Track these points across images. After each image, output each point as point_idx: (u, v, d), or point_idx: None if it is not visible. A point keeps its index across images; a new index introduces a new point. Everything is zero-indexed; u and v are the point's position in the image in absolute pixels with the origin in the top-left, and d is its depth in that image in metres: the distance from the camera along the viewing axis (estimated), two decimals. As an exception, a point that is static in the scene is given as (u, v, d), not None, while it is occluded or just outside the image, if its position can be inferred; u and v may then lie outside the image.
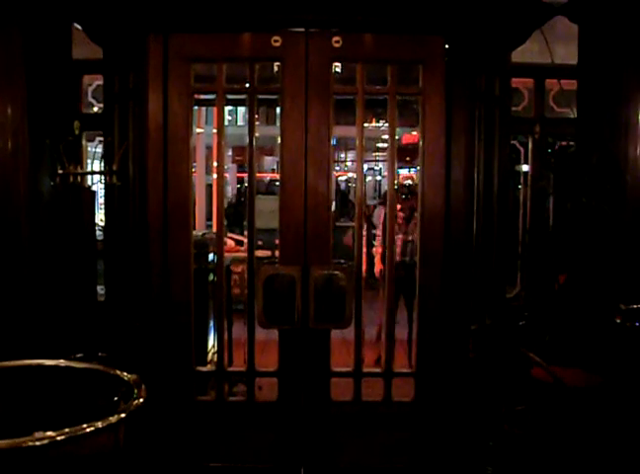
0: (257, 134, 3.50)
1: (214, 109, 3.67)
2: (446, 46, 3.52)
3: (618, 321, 3.31)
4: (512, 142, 4.11)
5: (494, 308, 3.69)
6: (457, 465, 3.59)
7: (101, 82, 4.00)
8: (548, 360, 3.26)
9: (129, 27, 3.47)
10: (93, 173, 3.64)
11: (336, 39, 3.36)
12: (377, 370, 3.67)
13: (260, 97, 3.50)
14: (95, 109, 4.29)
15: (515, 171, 4.36)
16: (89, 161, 3.92)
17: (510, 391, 3.50)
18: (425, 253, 3.54)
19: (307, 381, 3.53)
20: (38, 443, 1.76)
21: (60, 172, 3.53)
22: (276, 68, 3.90)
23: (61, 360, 2.39)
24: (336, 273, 3.39)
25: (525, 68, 4.03)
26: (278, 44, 3.35)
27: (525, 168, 4.32)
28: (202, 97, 3.76)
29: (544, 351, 3.38)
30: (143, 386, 2.13)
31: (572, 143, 4.12)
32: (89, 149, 4.05)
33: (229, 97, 3.57)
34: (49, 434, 1.77)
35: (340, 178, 17.45)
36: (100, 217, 3.96)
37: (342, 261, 3.58)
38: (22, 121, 3.38)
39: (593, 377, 3.28)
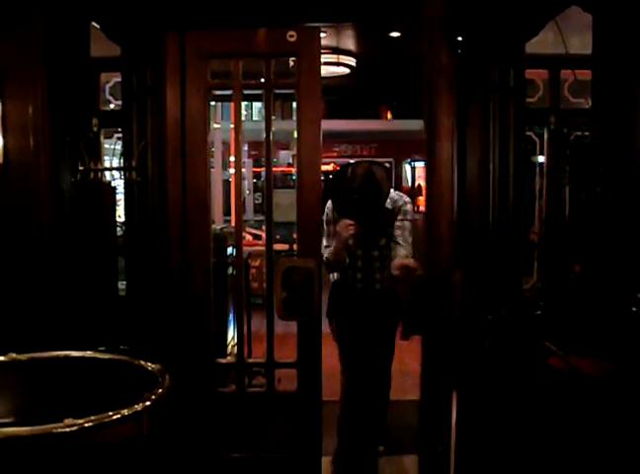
0: (273, 129, 3.53)
1: (231, 104, 3.72)
2: (459, 39, 3.54)
3: (634, 310, 3.33)
4: (527, 133, 4.13)
5: (510, 299, 3.72)
6: (472, 455, 3.63)
7: (118, 79, 4.08)
8: (564, 350, 3.28)
9: (147, 25, 3.53)
10: (113, 169, 3.71)
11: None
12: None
13: (276, 91, 3.55)
14: (112, 106, 4.37)
15: (530, 162, 4.38)
16: (106, 158, 4.01)
17: (526, 380, 3.53)
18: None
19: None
20: (67, 430, 1.82)
21: (81, 168, 3.59)
22: (291, 63, 3.95)
23: (87, 352, 2.45)
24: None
25: (540, 59, 4.05)
26: (293, 40, 3.39)
27: (541, 159, 4.34)
28: (219, 92, 3.79)
29: (560, 340, 3.40)
30: (167, 376, 2.19)
31: (587, 134, 4.13)
32: (106, 146, 4.13)
33: (245, 92, 3.62)
34: (79, 421, 1.83)
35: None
36: (119, 214, 4.03)
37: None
38: (43, 119, 3.44)
39: (608, 366, 3.30)
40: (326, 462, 3.95)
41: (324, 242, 3.94)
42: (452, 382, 3.39)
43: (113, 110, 4.36)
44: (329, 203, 4.12)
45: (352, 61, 6.89)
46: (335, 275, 4.19)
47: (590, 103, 4.03)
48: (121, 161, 3.77)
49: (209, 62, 3.43)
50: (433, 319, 3.33)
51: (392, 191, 4.18)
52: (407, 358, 5.52)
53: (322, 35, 3.50)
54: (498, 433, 3.59)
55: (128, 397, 2.13)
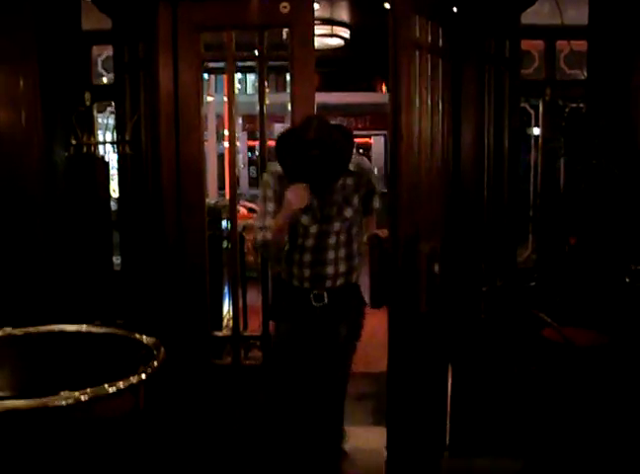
0: (267, 102, 3.51)
1: (224, 77, 3.68)
2: (454, 9, 3.51)
3: (628, 281, 3.35)
4: (522, 105, 4.12)
5: (505, 270, 3.74)
6: (469, 423, 3.66)
7: (110, 53, 4.04)
8: (559, 321, 3.30)
9: (138, -4, 3.49)
10: (106, 143, 3.69)
11: None
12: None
13: (269, 64, 3.52)
14: (104, 79, 4.33)
15: (526, 134, 4.36)
16: (100, 132, 3.98)
17: (521, 351, 3.56)
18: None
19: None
20: (64, 403, 1.83)
21: (74, 142, 3.58)
22: (284, 35, 3.91)
23: (83, 326, 2.46)
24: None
25: (535, 30, 4.01)
26: (286, 11, 3.35)
27: (536, 131, 4.32)
28: (212, 65, 3.76)
29: (555, 312, 3.42)
30: (162, 348, 2.19)
31: (582, 105, 4.11)
32: (99, 120, 4.10)
33: (239, 64, 3.59)
34: (75, 393, 1.84)
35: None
36: (113, 188, 4.01)
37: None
38: (34, 94, 3.42)
39: (602, 337, 3.32)
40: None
41: (258, 222, 3.04)
42: (419, 352, 3.32)
43: (105, 84, 4.32)
44: (268, 172, 3.13)
45: (346, 33, 6.81)
46: (283, 265, 3.20)
47: (585, 74, 4.02)
48: (115, 135, 3.75)
49: (202, 34, 3.39)
50: (397, 288, 3.18)
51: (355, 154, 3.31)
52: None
53: (315, 6, 3.46)
54: (493, 403, 3.63)
55: (124, 370, 2.14)
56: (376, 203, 3.28)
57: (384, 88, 15.06)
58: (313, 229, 3.04)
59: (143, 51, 3.56)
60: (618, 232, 3.57)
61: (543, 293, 3.69)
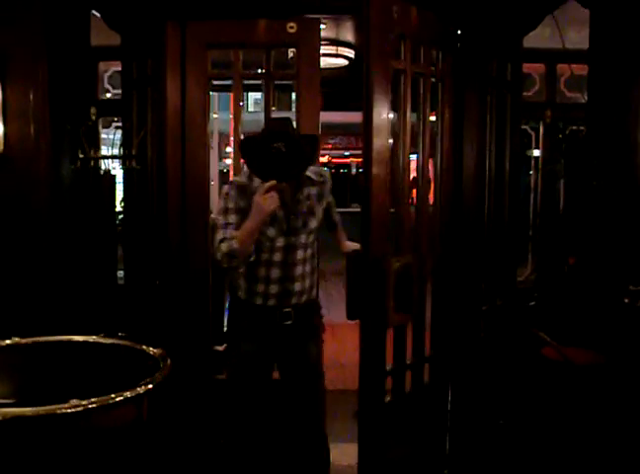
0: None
1: (230, 94, 3.72)
2: (458, 32, 3.57)
3: (627, 301, 3.38)
4: (523, 127, 4.18)
5: (505, 290, 3.78)
6: (469, 441, 3.68)
7: (117, 68, 4.11)
8: (558, 341, 3.34)
9: (148, 14, 3.55)
10: (113, 157, 3.74)
11: (395, 8, 3.29)
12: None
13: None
14: (108, 95, 4.39)
15: (526, 155, 4.42)
16: (103, 147, 4.04)
17: (520, 370, 3.58)
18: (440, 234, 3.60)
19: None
20: (72, 410, 1.86)
21: (81, 156, 3.62)
22: (290, 54, 3.98)
23: (91, 337, 2.49)
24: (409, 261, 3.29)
25: (537, 53, 4.10)
26: (293, 31, 3.41)
27: (536, 153, 4.39)
28: (217, 83, 3.81)
29: (554, 331, 3.46)
30: (168, 360, 2.22)
31: (582, 128, 4.17)
32: (103, 136, 4.16)
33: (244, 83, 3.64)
34: (84, 402, 1.86)
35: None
36: (121, 203, 4.06)
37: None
38: (43, 107, 3.46)
39: (601, 357, 3.36)
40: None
41: (219, 235, 2.82)
42: (384, 371, 3.30)
43: (111, 99, 4.39)
44: (230, 184, 2.97)
45: (350, 53, 6.91)
46: (240, 282, 3.02)
47: (585, 97, 4.08)
48: (120, 150, 3.80)
49: (210, 52, 3.45)
50: (366, 303, 3.18)
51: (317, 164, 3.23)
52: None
53: (321, 26, 3.52)
54: (492, 420, 3.65)
55: (130, 381, 2.16)
56: (337, 216, 3.33)
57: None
58: (280, 242, 2.91)
59: (151, 68, 3.61)
60: (617, 253, 3.61)
61: (543, 313, 3.72)
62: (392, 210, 3.32)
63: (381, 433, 3.31)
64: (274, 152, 2.74)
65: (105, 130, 4.29)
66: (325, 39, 3.51)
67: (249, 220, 2.76)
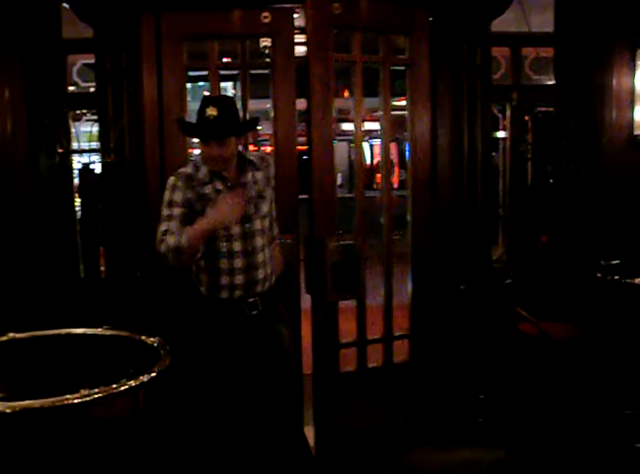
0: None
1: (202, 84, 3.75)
2: (430, 18, 3.65)
3: (599, 276, 3.51)
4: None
5: (481, 269, 3.88)
6: (450, 418, 3.79)
7: (85, 61, 4.09)
8: (535, 316, 3.46)
9: (121, 6, 3.54)
10: (92, 151, 3.74)
11: (336, 5, 3.43)
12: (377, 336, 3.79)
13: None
14: (71, 88, 4.36)
15: (493, 137, 4.53)
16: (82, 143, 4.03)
17: (498, 346, 3.70)
18: (415, 217, 3.69)
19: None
20: (79, 401, 1.90)
21: (60, 151, 3.62)
22: (262, 43, 4.01)
23: (88, 329, 2.51)
24: (350, 243, 3.49)
25: (504, 37, 4.19)
26: (267, 20, 3.44)
27: (502, 134, 4.49)
28: (193, 73, 3.83)
29: (530, 307, 3.58)
30: (168, 347, 2.27)
31: (549, 109, 4.29)
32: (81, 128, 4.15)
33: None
34: (94, 390, 1.91)
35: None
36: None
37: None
38: (19, 102, 3.46)
39: (576, 330, 3.49)
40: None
41: (163, 226, 2.72)
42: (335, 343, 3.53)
43: (83, 92, 4.37)
44: (176, 174, 2.89)
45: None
46: (201, 277, 2.93)
47: (551, 79, 4.20)
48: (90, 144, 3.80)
49: (185, 44, 3.46)
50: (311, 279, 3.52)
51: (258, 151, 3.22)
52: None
53: (295, 15, 3.56)
54: (472, 395, 3.77)
55: (130, 372, 2.21)
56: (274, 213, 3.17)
57: (346, 93, 15.23)
58: (235, 230, 2.83)
59: (126, 61, 3.61)
60: (587, 230, 3.75)
61: (519, 290, 3.84)
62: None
63: (335, 401, 3.56)
64: (206, 115, 2.74)
65: (80, 123, 4.28)
66: (299, 28, 3.53)
67: (205, 221, 2.68)
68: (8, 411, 1.88)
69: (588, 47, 3.76)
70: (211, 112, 2.73)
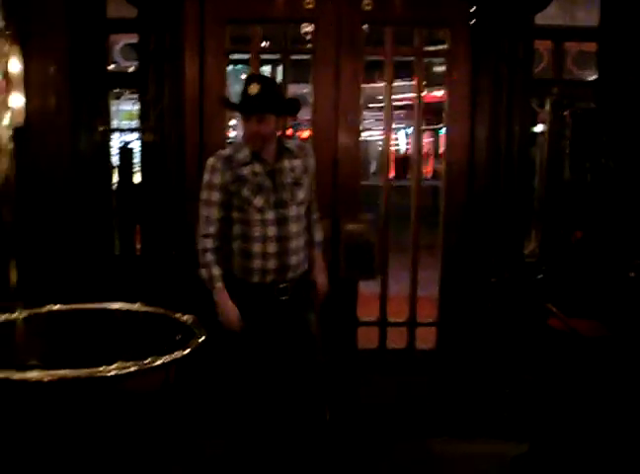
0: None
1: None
2: (472, 10, 3.63)
3: (632, 275, 3.49)
4: (530, 103, 4.24)
5: (512, 262, 3.87)
6: (474, 409, 3.81)
7: (128, 41, 4.14)
8: (565, 313, 3.44)
9: (166, -12, 3.58)
10: (132, 130, 3.79)
11: (367, 1, 3.46)
12: (401, 320, 3.87)
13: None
14: (111, 66, 4.42)
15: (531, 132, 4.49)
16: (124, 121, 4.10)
17: (527, 340, 3.70)
18: (449, 207, 3.70)
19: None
20: (114, 373, 1.96)
21: (101, 129, 3.68)
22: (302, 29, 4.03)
23: (124, 304, 2.58)
24: (365, 226, 3.59)
25: (547, 30, 4.13)
26: (311, 6, 3.46)
27: (541, 128, 4.45)
28: (234, 57, 3.87)
29: (561, 304, 3.56)
30: (201, 326, 2.32)
31: (590, 105, 4.24)
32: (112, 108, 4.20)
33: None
34: (128, 364, 1.96)
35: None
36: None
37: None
38: (64, 80, 3.52)
39: (605, 328, 3.46)
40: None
41: (202, 229, 2.95)
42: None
43: (124, 71, 4.43)
44: (216, 156, 3.00)
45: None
46: (233, 260, 3.01)
47: (593, 75, 4.15)
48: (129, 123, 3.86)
49: (228, 27, 3.50)
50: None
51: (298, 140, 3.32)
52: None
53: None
54: (498, 389, 3.78)
55: (164, 348, 2.26)
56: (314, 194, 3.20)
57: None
58: (270, 215, 2.90)
59: (169, 42, 3.65)
60: (623, 229, 3.71)
61: (550, 286, 3.82)
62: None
63: (352, 377, 3.72)
64: (248, 92, 2.83)
65: (115, 102, 4.33)
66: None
67: (219, 304, 2.91)
68: (46, 380, 1.93)
69: (633, 43, 3.70)
70: (254, 89, 2.81)
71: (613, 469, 3.10)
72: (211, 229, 2.92)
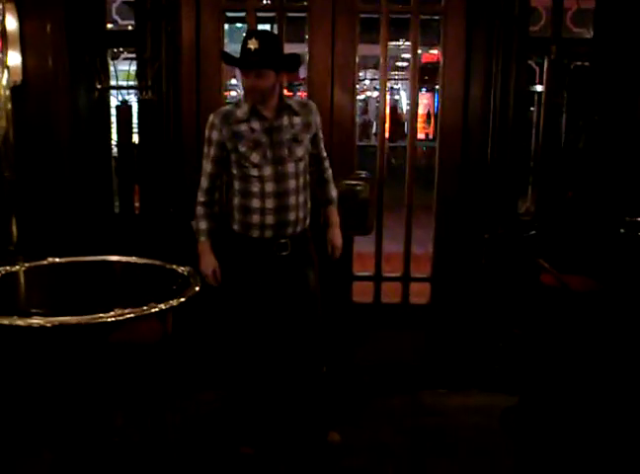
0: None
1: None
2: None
3: (623, 232, 3.54)
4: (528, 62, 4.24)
5: (506, 219, 3.92)
6: (467, 363, 3.90)
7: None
8: (557, 269, 3.49)
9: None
10: (129, 88, 3.81)
11: None
12: (396, 275, 3.95)
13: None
14: (109, 26, 4.42)
15: (529, 90, 4.49)
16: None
17: (519, 296, 3.77)
18: (443, 164, 3.74)
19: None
20: (113, 319, 2.03)
21: (99, 87, 3.70)
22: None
23: (122, 257, 2.64)
24: (359, 183, 3.65)
25: (545, -13, 4.12)
26: (306, -37, 3.46)
27: (539, 88, 4.45)
28: (230, 15, 3.87)
29: (553, 260, 3.61)
30: (198, 277, 2.38)
31: (587, 63, 4.24)
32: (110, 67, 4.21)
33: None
34: (126, 310, 2.03)
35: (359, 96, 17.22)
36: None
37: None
38: (61, 38, 3.54)
39: (596, 284, 3.52)
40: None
41: (203, 182, 3.04)
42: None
43: (121, 30, 4.43)
44: (216, 113, 3.02)
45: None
46: (234, 215, 3.06)
47: (591, 33, 4.13)
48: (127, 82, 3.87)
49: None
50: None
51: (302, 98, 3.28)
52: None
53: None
54: (491, 343, 3.86)
55: (160, 297, 2.32)
56: (323, 151, 3.22)
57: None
58: (268, 171, 2.94)
59: (166, -1, 3.66)
60: (614, 186, 3.75)
61: (542, 242, 3.88)
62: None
63: (347, 330, 3.86)
64: (248, 47, 2.83)
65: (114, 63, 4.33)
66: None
67: (199, 248, 3.01)
68: (48, 325, 2.01)
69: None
70: (253, 44, 2.82)
71: (600, 421, 3.18)
72: (205, 183, 3.03)
